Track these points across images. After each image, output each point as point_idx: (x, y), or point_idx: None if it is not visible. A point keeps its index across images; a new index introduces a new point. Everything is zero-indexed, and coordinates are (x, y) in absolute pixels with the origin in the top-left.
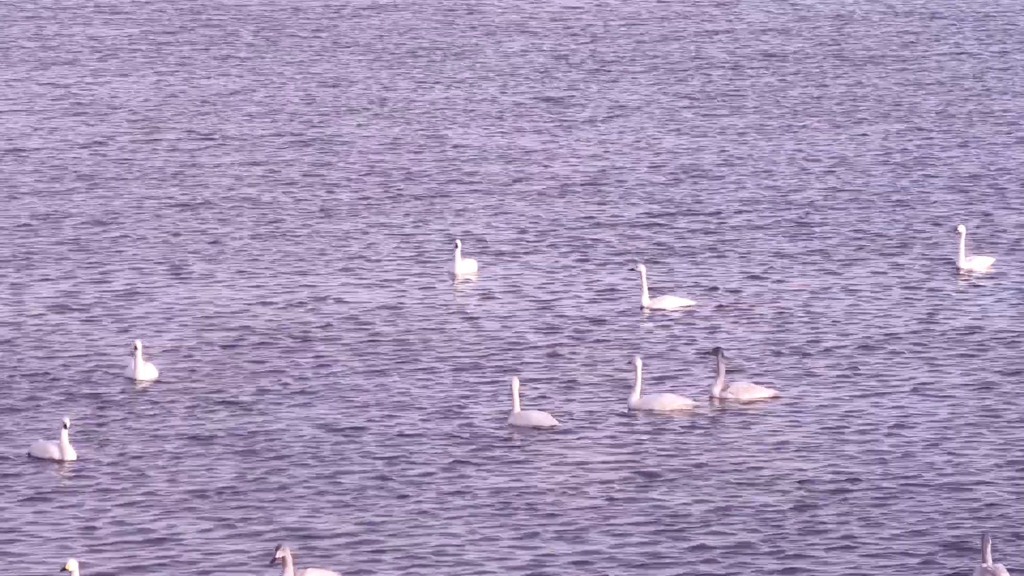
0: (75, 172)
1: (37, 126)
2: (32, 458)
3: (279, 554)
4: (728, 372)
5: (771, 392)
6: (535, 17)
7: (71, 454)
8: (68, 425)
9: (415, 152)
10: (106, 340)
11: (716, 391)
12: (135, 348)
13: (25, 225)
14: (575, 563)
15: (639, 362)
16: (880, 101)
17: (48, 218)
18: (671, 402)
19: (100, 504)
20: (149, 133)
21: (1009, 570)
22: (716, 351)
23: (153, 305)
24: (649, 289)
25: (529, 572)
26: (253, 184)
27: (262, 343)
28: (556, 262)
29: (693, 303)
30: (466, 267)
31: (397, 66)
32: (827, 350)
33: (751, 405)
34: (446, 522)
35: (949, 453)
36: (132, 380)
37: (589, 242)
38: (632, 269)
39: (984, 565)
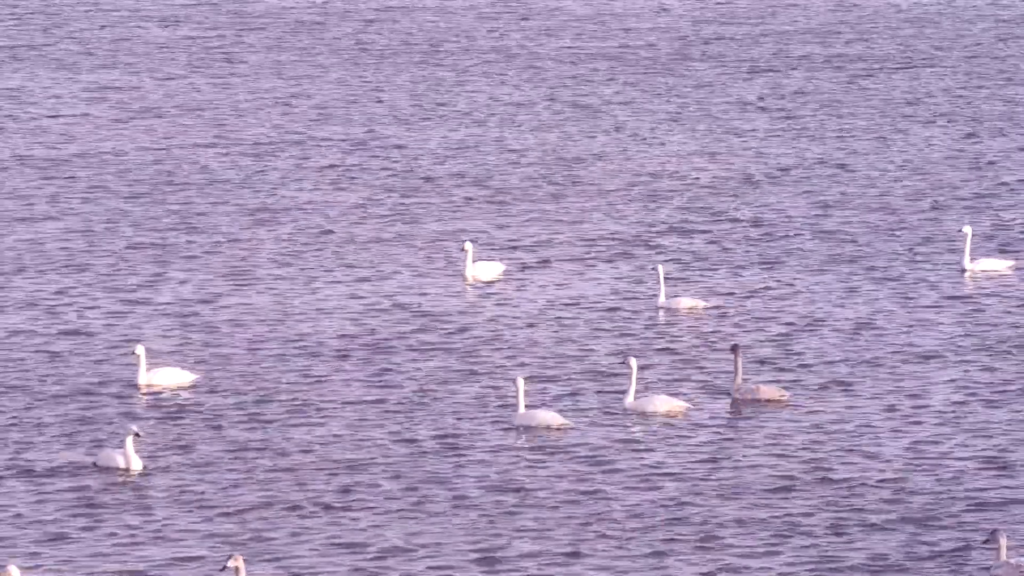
0: (136, 177)
1: (97, 131)
2: (98, 468)
3: (231, 563)
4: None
5: (784, 394)
6: (588, 19)
7: (137, 464)
8: (140, 434)
9: (453, 155)
10: (161, 346)
11: (733, 389)
12: (136, 353)
13: (86, 231)
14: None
15: (634, 363)
16: (917, 104)
17: (107, 224)
18: (664, 403)
19: (165, 514)
20: (208, 138)
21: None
22: (734, 348)
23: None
24: (666, 289)
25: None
26: (300, 189)
27: (287, 347)
28: (575, 264)
29: (706, 304)
30: (478, 269)
31: (447, 68)
32: (836, 353)
33: (763, 407)
34: (452, 523)
35: (957, 452)
36: (136, 387)
37: (611, 244)
38: (653, 269)
39: (1010, 561)
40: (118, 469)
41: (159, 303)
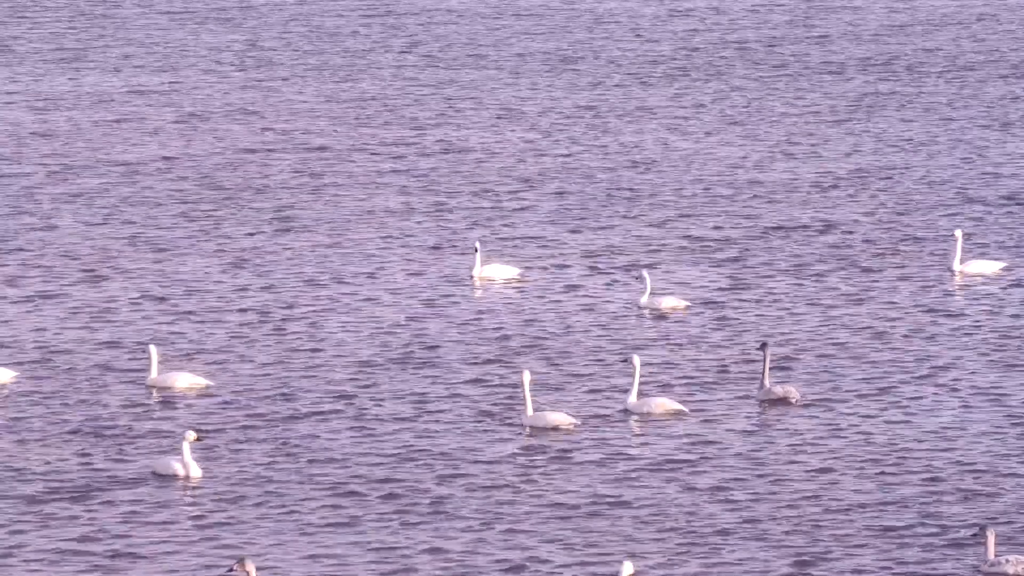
0: (183, 182)
1: (162, 136)
2: (156, 476)
3: (242, 568)
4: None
5: (794, 394)
6: (641, 20)
7: (195, 471)
8: (201, 439)
9: (493, 157)
10: (181, 349)
11: (767, 386)
12: (148, 354)
13: (148, 238)
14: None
15: (637, 361)
16: (950, 107)
17: (165, 231)
18: (664, 404)
19: (224, 523)
20: (249, 142)
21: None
22: (763, 346)
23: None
24: (651, 290)
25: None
26: (328, 192)
27: (295, 350)
28: (587, 267)
29: (688, 304)
30: (488, 271)
31: (517, 72)
32: (837, 355)
33: (786, 407)
34: (470, 530)
35: (948, 450)
36: (147, 388)
37: (617, 246)
38: (637, 277)
39: (1006, 559)
40: (177, 476)
41: (185, 306)
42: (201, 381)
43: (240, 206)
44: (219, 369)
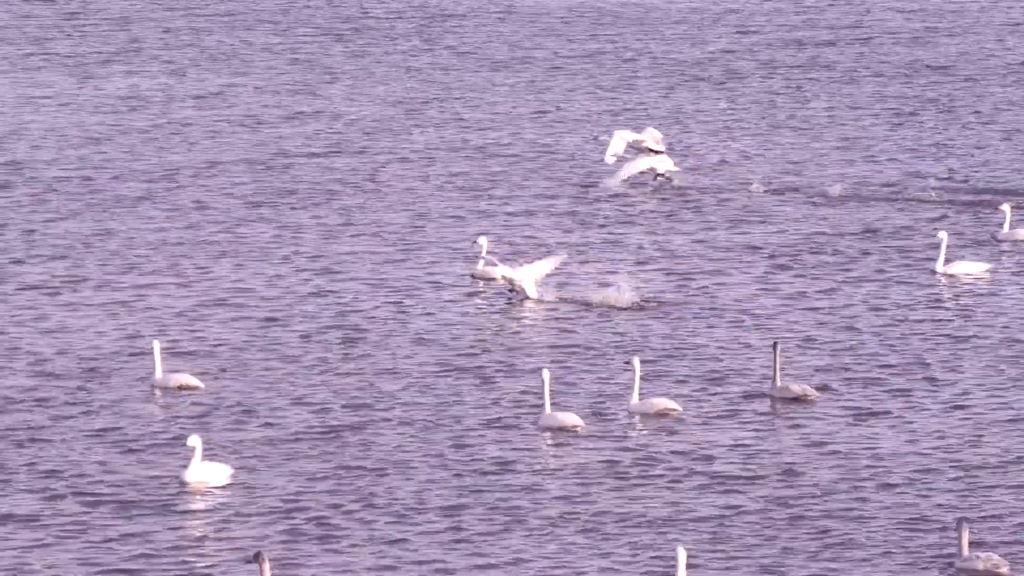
0: (236, 187)
1: (208, 141)
2: (185, 484)
3: (263, 568)
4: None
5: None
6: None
7: (213, 477)
8: (197, 445)
9: (519, 159)
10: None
11: (779, 384)
12: (152, 351)
13: (184, 243)
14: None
15: (637, 363)
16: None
17: (200, 239)
18: (663, 404)
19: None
20: (331, 148)
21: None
22: (774, 345)
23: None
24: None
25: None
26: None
27: (291, 346)
28: (591, 268)
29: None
30: (491, 270)
31: (537, 73)
32: (835, 354)
33: (800, 406)
34: (487, 538)
35: (934, 447)
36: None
37: (633, 249)
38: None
39: (977, 555)
40: (197, 482)
41: (221, 310)
42: (194, 381)
43: (286, 210)
44: (244, 373)
